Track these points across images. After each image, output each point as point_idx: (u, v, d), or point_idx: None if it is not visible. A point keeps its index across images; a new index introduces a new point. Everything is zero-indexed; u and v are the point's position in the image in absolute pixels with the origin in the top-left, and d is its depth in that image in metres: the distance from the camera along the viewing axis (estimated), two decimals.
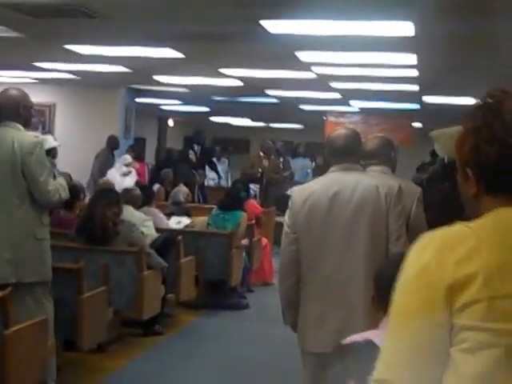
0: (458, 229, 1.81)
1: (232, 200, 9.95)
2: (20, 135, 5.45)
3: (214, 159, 18.36)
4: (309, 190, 4.28)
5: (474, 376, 1.70)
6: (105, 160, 13.82)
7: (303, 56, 9.70)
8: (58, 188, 5.53)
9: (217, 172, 18.18)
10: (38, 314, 5.33)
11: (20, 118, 5.51)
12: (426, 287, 1.74)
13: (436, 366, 1.73)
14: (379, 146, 4.91)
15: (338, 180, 4.24)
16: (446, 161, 5.67)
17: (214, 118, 22.72)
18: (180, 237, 8.61)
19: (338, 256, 4.16)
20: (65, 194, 5.66)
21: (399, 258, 3.21)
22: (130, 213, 8.01)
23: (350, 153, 4.28)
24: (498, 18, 7.01)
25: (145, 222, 8.30)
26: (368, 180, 4.27)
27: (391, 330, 1.80)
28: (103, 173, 13.00)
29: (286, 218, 4.29)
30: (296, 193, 4.31)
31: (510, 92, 1.87)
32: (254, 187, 13.51)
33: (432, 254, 1.76)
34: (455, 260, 1.72)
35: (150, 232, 8.29)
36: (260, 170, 14.68)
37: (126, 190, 8.93)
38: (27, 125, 5.65)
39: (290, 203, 4.28)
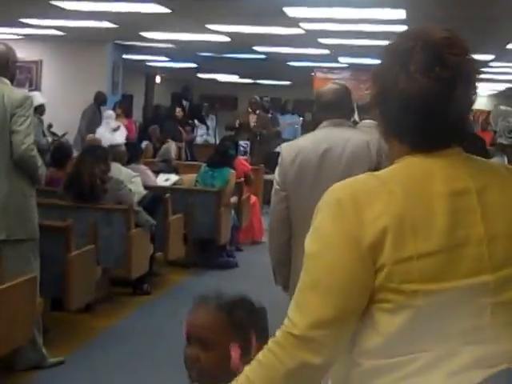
0: (370, 180, 1.78)
1: (220, 157, 9.86)
2: (9, 90, 5.35)
3: (202, 115, 18.25)
4: (298, 147, 4.20)
5: (389, 335, 1.70)
6: (92, 116, 13.75)
7: (291, 12, 9.61)
8: (34, 150, 5.35)
9: (206, 126, 18.07)
10: (25, 271, 5.27)
11: (8, 73, 5.41)
12: (347, 239, 1.70)
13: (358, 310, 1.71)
14: (368, 101, 4.83)
15: (328, 136, 4.17)
16: None
17: (201, 75, 22.57)
18: (168, 194, 8.55)
19: None
20: (40, 168, 5.45)
21: None
22: (117, 170, 7.93)
23: (340, 108, 4.22)
24: None
25: (132, 179, 8.21)
26: (358, 136, 4.21)
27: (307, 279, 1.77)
28: (90, 129, 12.90)
29: (275, 176, 4.21)
30: (285, 149, 4.22)
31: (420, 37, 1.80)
32: (244, 144, 13.42)
33: (351, 209, 1.72)
34: (372, 217, 1.69)
35: (137, 189, 8.20)
36: (238, 121, 14.54)
37: (112, 147, 8.84)
38: (13, 80, 5.53)
39: (279, 160, 4.20)
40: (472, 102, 1.81)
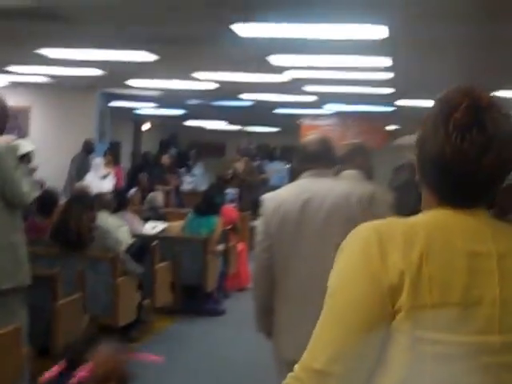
0: (398, 225, 1.82)
1: (207, 205, 9.93)
2: None
3: (190, 162, 18.34)
4: (280, 197, 4.26)
5: (398, 378, 1.74)
6: (81, 164, 13.82)
7: (275, 60, 9.70)
8: (31, 188, 5.44)
9: (190, 173, 18.13)
10: (11, 321, 5.23)
11: None
12: (371, 279, 1.74)
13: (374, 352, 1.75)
14: (349, 152, 4.92)
15: (309, 187, 4.23)
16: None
17: (189, 122, 22.71)
18: (155, 242, 8.59)
19: (309, 262, 4.13)
20: (36, 192, 5.61)
21: None
22: (104, 218, 7.97)
23: (321, 159, 4.27)
24: (470, 23, 7.07)
25: (119, 228, 8.26)
26: (339, 187, 4.25)
27: (328, 316, 1.86)
28: (80, 177, 12.96)
29: (258, 225, 4.28)
30: (267, 200, 4.28)
31: (469, 95, 1.81)
32: (233, 191, 13.49)
33: (377, 250, 1.76)
34: (394, 260, 1.73)
35: (124, 238, 8.24)
36: (230, 172, 14.63)
37: (99, 195, 8.88)
38: (3, 128, 5.51)
39: (261, 210, 4.26)
40: (508, 165, 1.82)
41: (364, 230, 1.85)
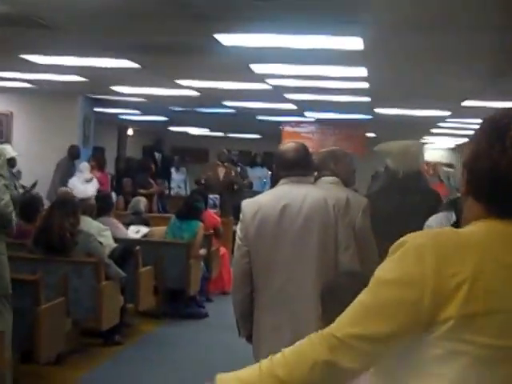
0: (453, 236, 1.91)
1: (189, 210, 10.02)
2: None
3: (172, 169, 18.43)
4: (258, 203, 4.35)
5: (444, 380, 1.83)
6: (66, 169, 13.83)
7: (257, 68, 9.82)
8: (11, 205, 5.42)
9: (169, 182, 18.21)
10: None
11: None
12: (423, 285, 1.81)
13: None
14: (323, 158, 5.00)
15: (287, 193, 4.32)
16: (401, 174, 5.80)
17: (172, 128, 22.77)
18: (138, 247, 8.68)
19: (288, 268, 4.23)
20: (13, 217, 5.47)
21: (346, 277, 3.31)
22: (87, 223, 8.04)
23: (298, 165, 4.37)
24: (442, 34, 7.22)
25: (102, 232, 8.31)
26: (316, 192, 4.35)
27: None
28: (64, 182, 13.01)
29: (237, 231, 4.36)
30: (246, 206, 4.37)
31: None
32: (213, 197, 13.59)
33: (432, 258, 1.83)
34: (450, 272, 1.81)
35: (107, 242, 8.30)
36: (204, 178, 14.68)
37: (82, 200, 8.93)
38: None
39: (241, 216, 4.36)
40: None
41: (420, 237, 1.91)
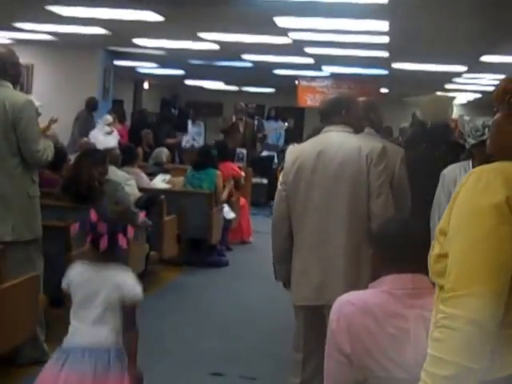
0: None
1: (203, 158, 10.09)
2: (10, 94, 5.40)
3: (189, 122, 18.53)
4: (299, 150, 4.52)
5: None
6: (85, 121, 13.93)
7: (281, 21, 9.87)
8: (46, 148, 5.53)
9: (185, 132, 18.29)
10: (29, 270, 5.40)
11: (8, 76, 5.44)
12: (503, 222, 1.95)
13: None
14: (362, 108, 5.12)
15: (325, 140, 4.46)
16: (428, 125, 5.91)
17: (188, 82, 22.78)
18: (163, 196, 8.83)
19: (320, 213, 4.36)
20: (51, 155, 5.64)
21: (401, 220, 3.46)
22: (113, 172, 8.15)
23: (338, 114, 4.48)
24: None
25: (127, 181, 8.41)
26: (352, 140, 4.45)
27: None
28: (83, 134, 13.11)
29: (280, 176, 4.53)
30: (288, 153, 4.56)
31: None
32: (242, 150, 13.71)
33: (509, 193, 1.97)
34: None
35: (132, 191, 8.43)
36: (230, 124, 14.76)
37: (107, 150, 9.06)
38: (16, 82, 5.60)
39: (284, 162, 4.55)
40: None
41: (491, 172, 2.04)
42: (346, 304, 2.95)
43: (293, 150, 4.57)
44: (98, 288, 3.94)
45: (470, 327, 1.92)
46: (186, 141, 17.96)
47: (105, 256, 3.97)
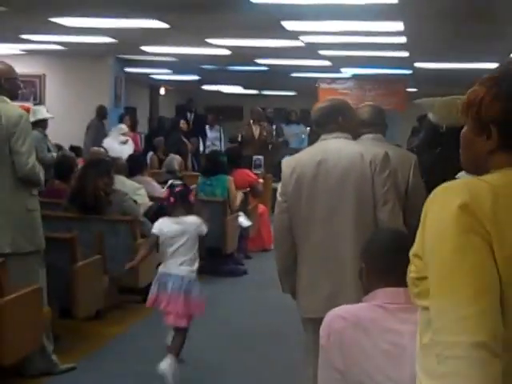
0: (478, 183, 1.91)
1: (212, 165, 9.95)
2: (6, 108, 5.45)
3: (207, 127, 18.37)
4: (296, 160, 4.39)
5: None
6: (96, 130, 13.96)
7: (289, 25, 9.71)
8: (37, 167, 5.51)
9: (203, 139, 18.12)
10: (31, 282, 5.39)
11: (4, 90, 5.51)
12: (471, 226, 1.82)
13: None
14: (373, 115, 4.97)
15: (323, 148, 4.33)
16: (443, 128, 5.71)
17: (205, 87, 22.70)
18: None
19: (325, 223, 4.24)
20: (41, 177, 5.62)
21: (387, 233, 3.29)
22: (121, 182, 8.06)
23: (334, 122, 4.35)
24: None
25: (137, 191, 8.34)
26: (353, 147, 4.33)
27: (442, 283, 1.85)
28: (96, 143, 13.06)
29: (278, 188, 4.43)
30: (285, 163, 4.42)
31: None
32: (259, 157, 13.54)
33: (466, 199, 1.83)
34: (483, 214, 1.82)
35: (142, 200, 8.34)
36: (240, 135, 14.51)
37: (113, 160, 8.96)
38: (13, 96, 5.64)
39: (281, 173, 4.38)
40: None
41: (450, 186, 1.94)
42: (337, 319, 2.85)
43: (288, 161, 4.46)
44: (182, 231, 5.74)
45: (477, 352, 1.77)
46: (207, 146, 17.81)
47: (183, 209, 5.84)
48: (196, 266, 5.83)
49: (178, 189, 5.97)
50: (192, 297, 5.68)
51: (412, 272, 1.99)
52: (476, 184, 1.90)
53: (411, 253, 1.99)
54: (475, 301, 1.79)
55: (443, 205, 1.88)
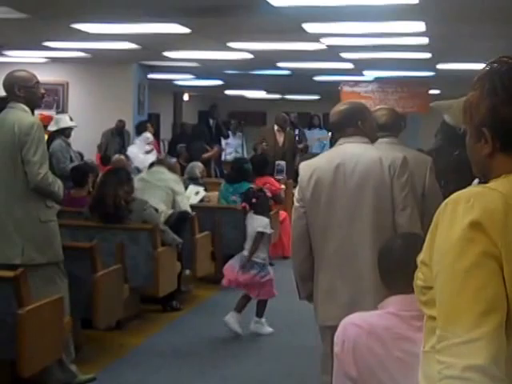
0: (490, 193, 1.86)
1: (237, 172, 9.92)
2: (20, 116, 5.41)
3: (229, 133, 18.29)
4: (314, 165, 4.33)
5: None
6: (105, 140, 14.11)
7: (310, 28, 9.64)
8: (51, 176, 5.46)
9: (220, 143, 17.99)
10: (50, 293, 5.34)
11: (19, 98, 5.46)
12: (484, 240, 1.78)
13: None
14: (390, 118, 4.93)
15: (341, 153, 4.28)
16: (461, 130, 5.64)
17: (228, 92, 22.69)
18: (194, 213, 8.63)
19: (344, 229, 4.19)
20: (57, 188, 5.51)
21: (407, 238, 3.26)
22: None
23: (353, 125, 4.30)
24: None
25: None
26: (371, 152, 4.27)
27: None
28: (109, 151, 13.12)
29: (295, 193, 4.37)
30: (302, 168, 4.36)
31: None
32: (282, 163, 13.46)
33: (477, 216, 1.80)
34: (495, 230, 1.79)
35: (163, 208, 8.30)
36: (264, 145, 14.22)
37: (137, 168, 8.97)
38: (32, 105, 5.56)
39: (298, 178, 4.35)
40: None
41: (462, 197, 1.89)
42: (351, 326, 2.86)
43: (306, 166, 4.38)
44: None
45: (469, 373, 1.75)
46: (228, 153, 17.76)
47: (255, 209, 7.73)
48: None
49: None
50: None
51: (419, 279, 1.99)
52: (488, 195, 1.85)
53: (419, 259, 1.98)
54: (477, 326, 1.77)
55: (454, 220, 1.84)
